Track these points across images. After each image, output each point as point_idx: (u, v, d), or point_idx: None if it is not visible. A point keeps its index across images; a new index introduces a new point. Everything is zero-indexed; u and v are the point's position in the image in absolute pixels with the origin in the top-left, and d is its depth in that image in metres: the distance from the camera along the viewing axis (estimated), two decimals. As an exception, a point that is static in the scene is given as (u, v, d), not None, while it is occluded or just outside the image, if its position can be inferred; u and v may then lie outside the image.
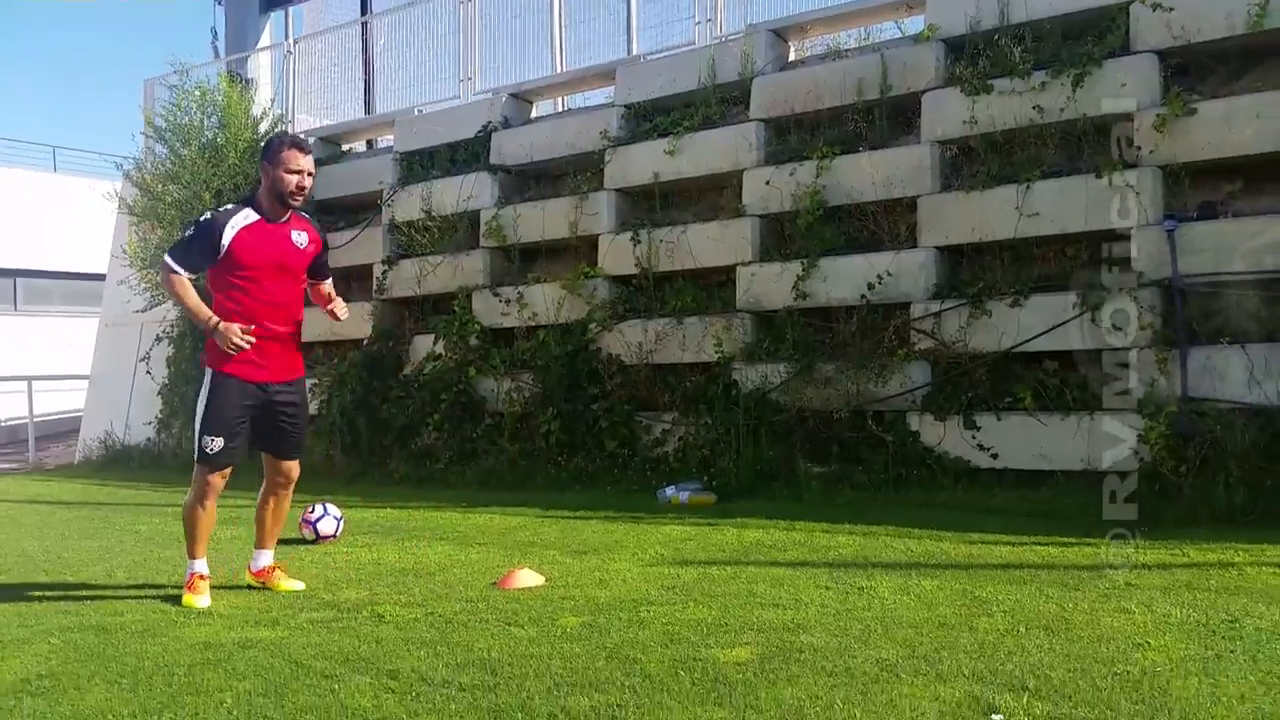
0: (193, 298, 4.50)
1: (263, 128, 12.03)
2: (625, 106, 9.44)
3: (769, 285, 8.06)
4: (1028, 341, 6.77)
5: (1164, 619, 3.66)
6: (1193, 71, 6.91)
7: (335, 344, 10.63)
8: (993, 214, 7.17)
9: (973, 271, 7.34)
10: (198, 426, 4.52)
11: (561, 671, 3.32)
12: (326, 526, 6.23)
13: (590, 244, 9.25)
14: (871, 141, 8.00)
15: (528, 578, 4.75)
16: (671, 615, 4.01)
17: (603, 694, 3.08)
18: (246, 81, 12.98)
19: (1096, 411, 6.40)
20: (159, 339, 12.61)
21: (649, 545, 5.60)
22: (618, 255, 8.97)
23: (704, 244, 8.50)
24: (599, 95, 10.60)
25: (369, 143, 12.88)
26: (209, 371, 4.55)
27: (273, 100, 12.83)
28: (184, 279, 4.53)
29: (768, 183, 8.25)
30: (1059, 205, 6.89)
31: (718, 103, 8.87)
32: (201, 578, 4.61)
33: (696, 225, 8.61)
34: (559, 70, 10.61)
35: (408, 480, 9.19)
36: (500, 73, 10.99)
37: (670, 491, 7.24)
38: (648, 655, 3.46)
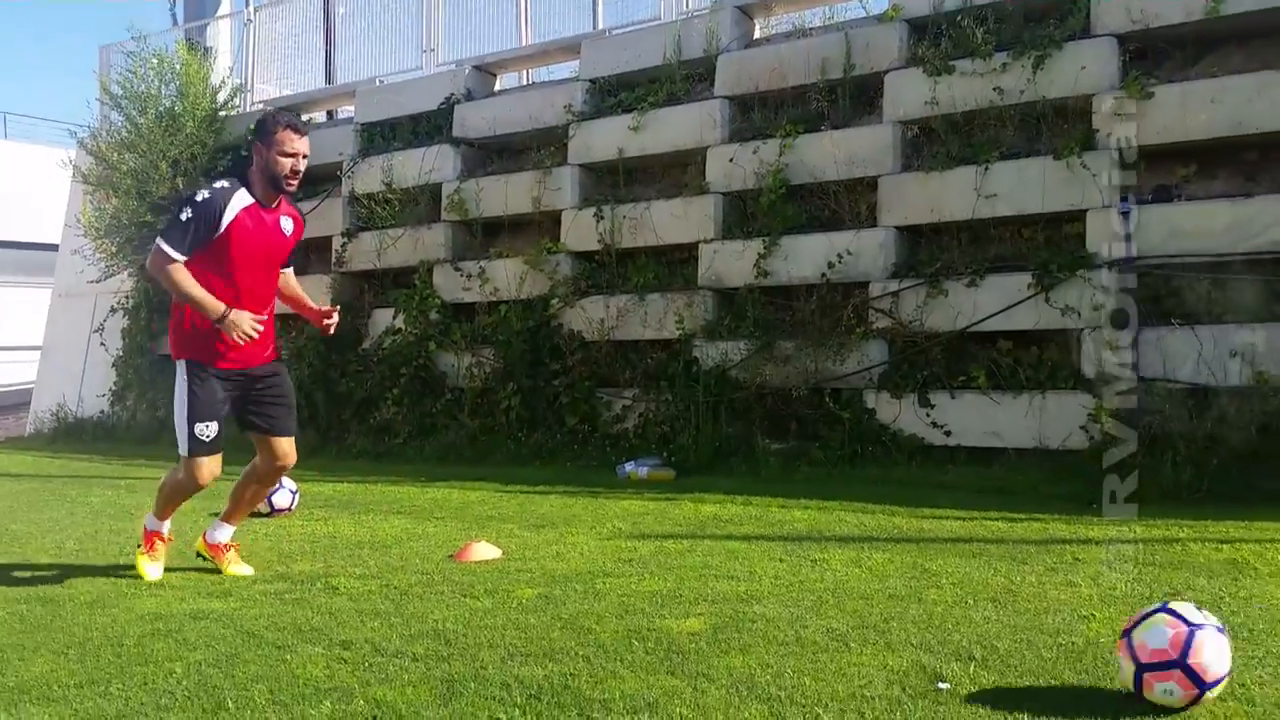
0: (196, 286, 4.06)
1: (221, 97, 11.83)
2: (590, 81, 9.38)
3: (731, 263, 8.08)
4: (982, 321, 6.86)
5: (1109, 592, 3.75)
6: (1150, 56, 6.99)
7: (293, 317, 10.48)
8: (951, 195, 7.23)
9: (931, 251, 7.41)
10: (185, 416, 4.19)
11: (516, 642, 3.33)
12: (281, 500, 6.19)
13: (553, 219, 9.20)
14: (834, 121, 8.02)
15: (484, 550, 4.75)
16: (627, 587, 4.03)
17: (556, 664, 3.10)
18: (205, 50, 12.72)
19: (1048, 390, 6.51)
20: (113, 310, 12.40)
21: (607, 519, 5.62)
22: (581, 231, 8.93)
23: (667, 221, 8.49)
24: (563, 69, 10.52)
25: (329, 113, 12.70)
26: (182, 363, 4.23)
27: (231, 69, 12.59)
28: (181, 265, 4.06)
29: (731, 160, 8.25)
30: (1017, 187, 6.97)
31: (683, 79, 8.84)
32: (161, 539, 4.49)
33: (660, 202, 8.60)
34: (523, 43, 10.51)
35: (366, 455, 9.14)
36: (463, 44, 10.86)
37: (630, 467, 7.27)
38: (602, 626, 3.48)
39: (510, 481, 7.21)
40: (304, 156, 4.23)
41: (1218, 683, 2.58)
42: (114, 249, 11.71)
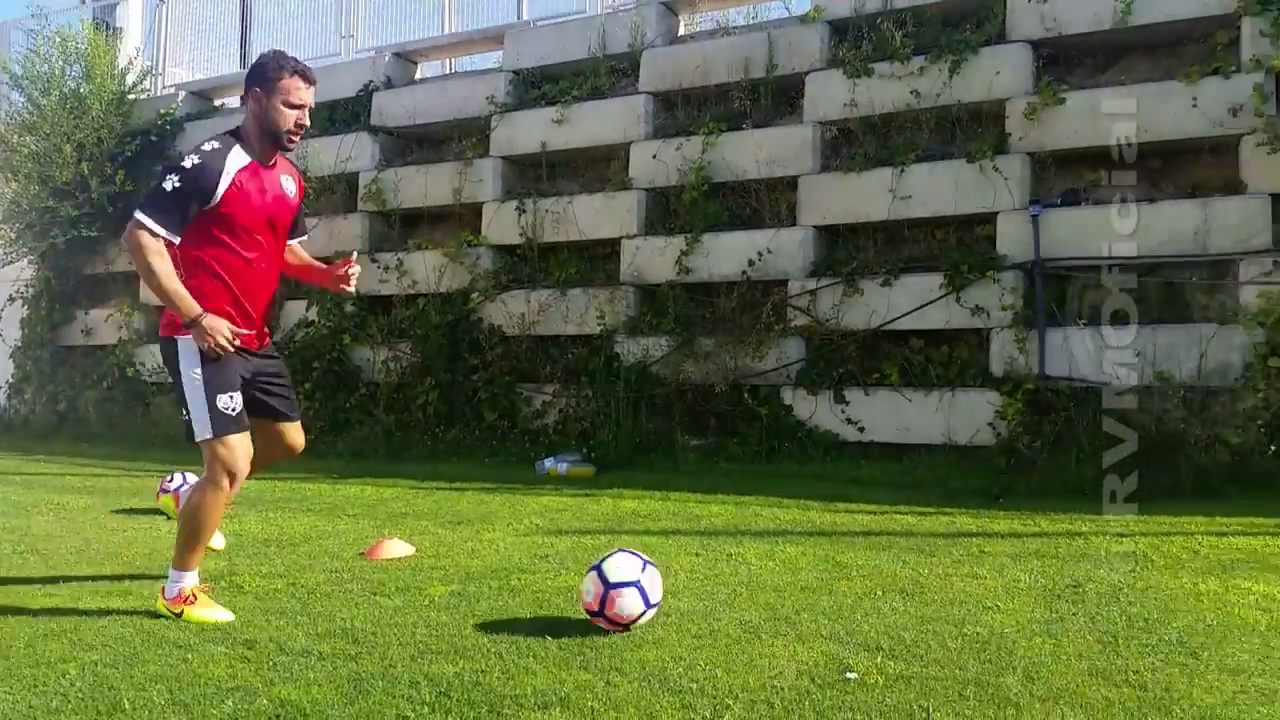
0: (174, 279, 3.45)
1: (130, 79, 11.41)
2: (514, 72, 9.30)
3: (653, 259, 8.09)
4: (896, 320, 7.00)
5: (1013, 583, 3.85)
6: (1063, 63, 7.21)
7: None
8: (868, 196, 7.36)
9: (848, 251, 7.53)
10: (202, 392, 3.49)
11: (426, 639, 3.28)
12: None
13: (474, 211, 9.10)
14: (756, 120, 8.09)
15: (397, 548, 4.67)
16: (542, 583, 4.00)
17: (468, 661, 3.05)
18: (113, 29, 12.24)
19: (958, 388, 6.68)
20: (12, 299, 11.86)
21: (524, 515, 5.58)
22: (502, 224, 8.85)
23: (590, 215, 8.46)
24: (487, 59, 10.40)
25: (243, 99, 12.32)
26: (188, 339, 3.52)
27: (140, 50, 12.15)
28: (162, 245, 3.43)
29: (654, 156, 8.26)
30: (931, 189, 7.12)
31: (607, 73, 8.82)
32: (199, 590, 3.65)
33: (583, 196, 8.56)
34: (446, 31, 10.36)
35: (277, 450, 8.90)
36: (384, 31, 10.67)
37: (549, 463, 7.23)
38: (516, 622, 3.44)
39: (426, 478, 7.11)
40: (310, 110, 3.62)
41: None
42: (13, 235, 11.22)
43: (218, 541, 4.34)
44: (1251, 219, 6.16)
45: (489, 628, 3.39)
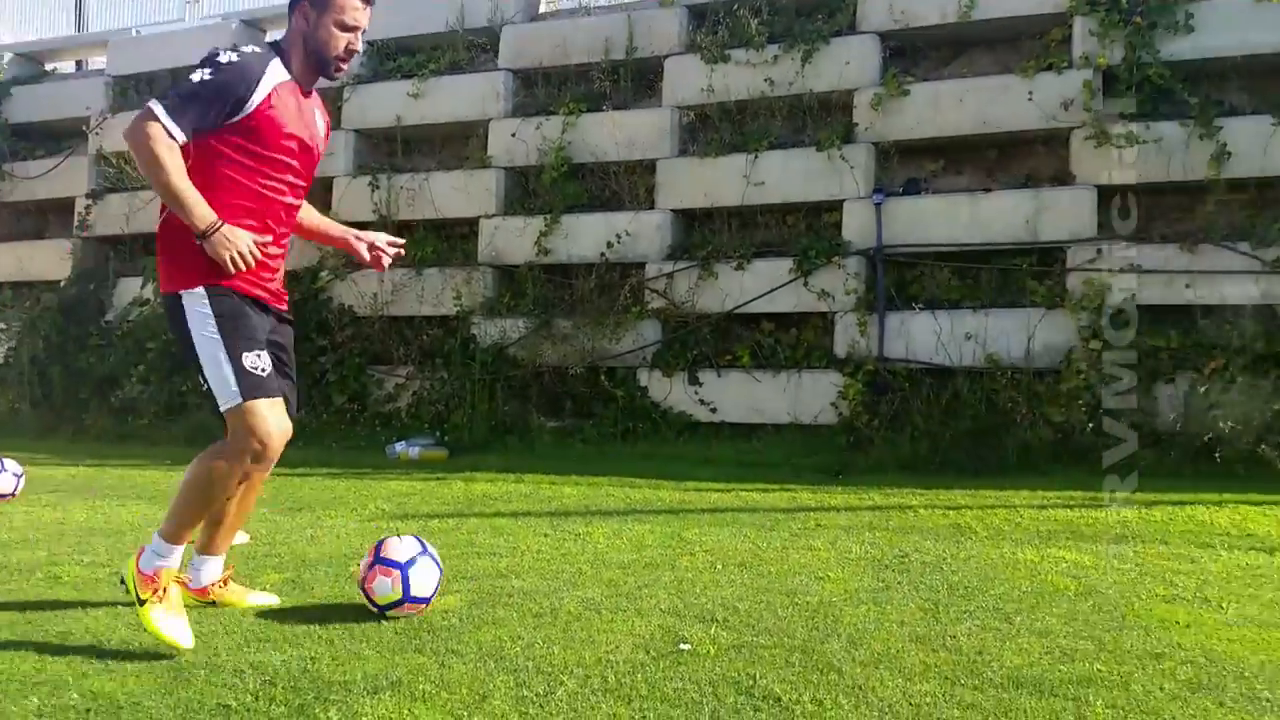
0: (185, 178, 2.86)
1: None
2: (368, 43, 9.00)
3: (511, 239, 8.00)
4: (748, 303, 7.16)
5: (845, 554, 4.00)
6: (909, 55, 7.48)
7: (26, 285, 9.54)
8: (723, 181, 7.48)
9: (703, 235, 7.64)
10: (224, 351, 2.91)
11: (254, 628, 3.15)
12: (4, 484, 5.60)
13: (325, 186, 8.78)
14: (616, 102, 8.10)
15: (232, 534, 4.47)
16: (383, 566, 3.91)
17: (296, 648, 2.96)
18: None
19: (804, 369, 6.89)
20: None
21: (371, 500, 5.45)
22: (354, 200, 8.59)
23: (447, 194, 8.30)
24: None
25: (78, 63, 11.56)
26: (197, 291, 2.94)
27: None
28: (176, 145, 2.86)
29: (514, 135, 8.17)
30: (782, 176, 7.29)
31: (466, 48, 8.66)
32: (177, 581, 3.03)
33: (440, 174, 8.39)
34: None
35: (106, 436, 8.44)
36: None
37: (400, 447, 7.08)
38: (350, 609, 3.36)
39: (270, 462, 6.83)
40: (364, 31, 3.12)
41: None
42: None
43: (240, 537, 3.72)
44: (1079, 209, 6.55)
45: (322, 615, 3.29)
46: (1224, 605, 3.29)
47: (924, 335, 6.67)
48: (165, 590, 2.94)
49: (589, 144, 7.94)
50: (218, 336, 2.92)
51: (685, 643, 2.91)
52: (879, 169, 7.16)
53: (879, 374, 6.60)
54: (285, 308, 3.25)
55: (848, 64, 7.28)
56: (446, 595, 3.47)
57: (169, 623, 2.90)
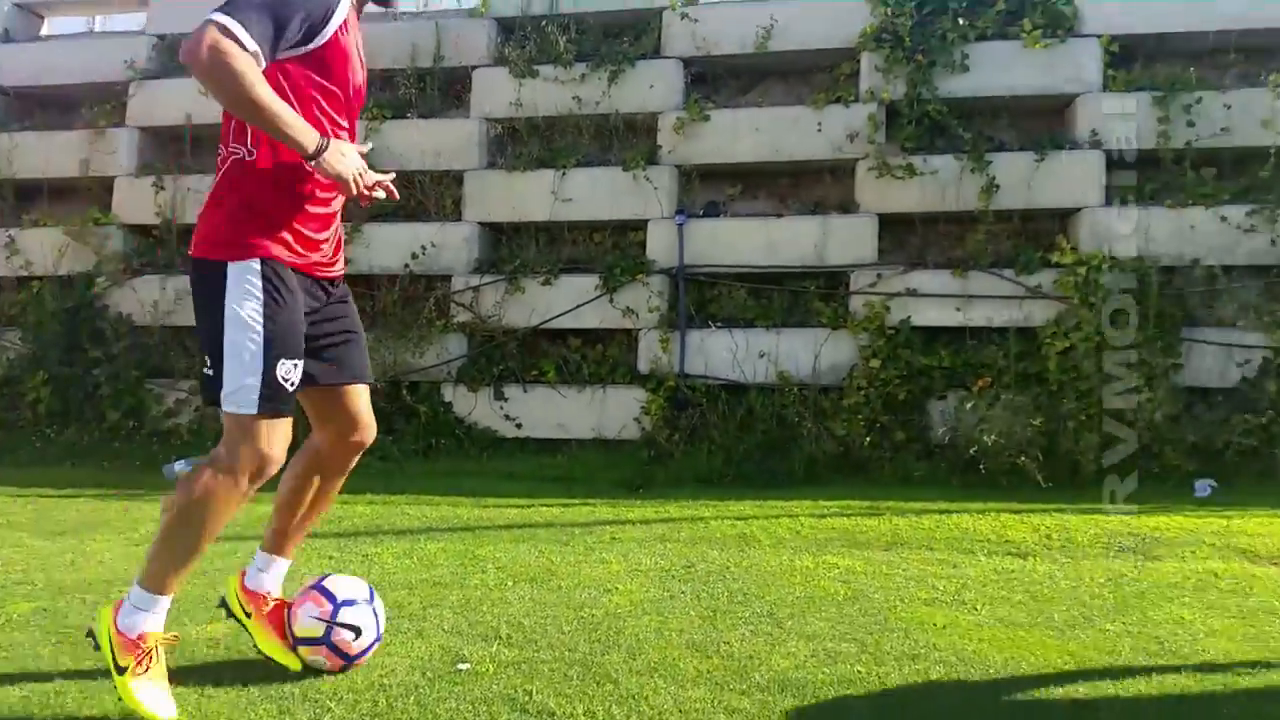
0: (273, 94, 2.35)
1: None
2: (158, 37, 8.49)
3: (309, 248, 7.69)
4: (555, 318, 7.19)
5: (635, 567, 4.06)
6: (711, 81, 7.73)
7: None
8: (532, 196, 7.48)
9: (511, 249, 7.61)
10: (260, 349, 2.48)
11: (-7, 662, 2.89)
12: None
13: (105, 186, 8.21)
14: (423, 110, 7.96)
15: (-24, 562, 4.09)
16: (149, 592, 3.66)
17: (39, 682, 2.73)
18: None
19: (609, 385, 6.98)
20: None
21: (142, 523, 5.08)
22: (137, 201, 8.05)
23: (239, 199, 7.89)
24: (128, 21, 9.41)
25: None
26: (250, 264, 2.50)
27: None
28: (255, 60, 2.34)
29: (313, 140, 7.86)
30: (590, 193, 7.37)
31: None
32: (163, 641, 2.57)
33: (232, 177, 7.97)
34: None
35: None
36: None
37: (180, 466, 6.64)
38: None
39: (31, 484, 6.24)
40: None
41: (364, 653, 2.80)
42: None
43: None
44: (861, 235, 6.94)
45: (74, 646, 3.05)
46: (978, 607, 3.55)
47: (721, 352, 6.90)
48: (150, 655, 2.50)
49: (394, 151, 7.74)
50: (259, 329, 2.47)
51: (464, 662, 2.88)
52: (681, 191, 7.36)
53: (679, 390, 6.77)
54: (339, 271, 2.81)
55: (652, 87, 7.45)
56: (215, 623, 3.29)
57: (151, 694, 2.48)
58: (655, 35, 7.64)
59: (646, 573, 3.97)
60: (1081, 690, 2.74)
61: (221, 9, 2.34)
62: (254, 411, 2.48)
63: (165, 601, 2.56)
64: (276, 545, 2.95)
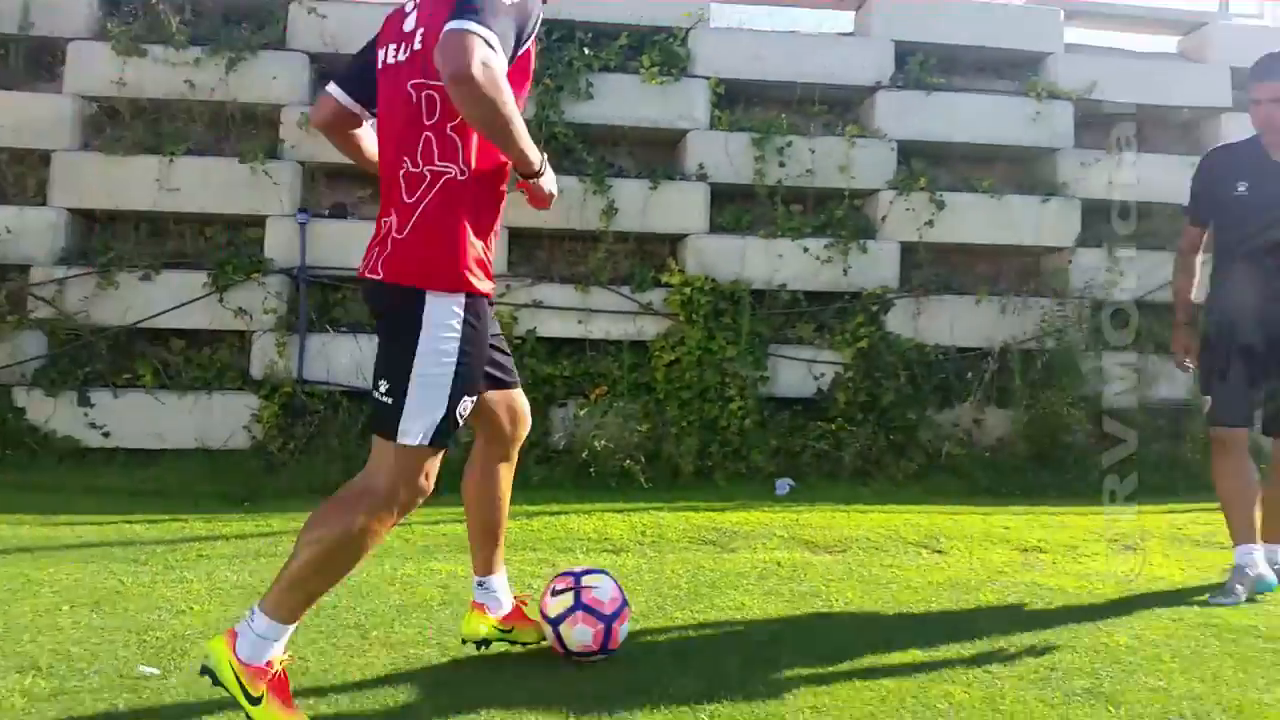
0: (516, 113, 2.32)
1: None
2: None
3: None
4: (154, 317, 6.60)
5: (218, 585, 3.82)
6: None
7: None
8: (133, 182, 6.81)
9: (104, 240, 6.89)
10: (446, 387, 2.43)
11: None
12: None
13: None
14: (4, 81, 6.99)
15: None
16: None
17: None
18: None
19: (215, 390, 6.52)
20: None
21: None
22: None
23: None
24: None
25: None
26: (456, 297, 2.44)
27: None
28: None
29: None
30: (201, 184, 6.85)
31: None
32: (285, 663, 2.46)
33: None
34: None
35: None
36: None
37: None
38: None
39: None
40: None
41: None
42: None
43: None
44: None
45: None
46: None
47: (345, 358, 6.69)
48: (280, 675, 2.42)
49: (-40, 123, 6.75)
50: (453, 366, 2.45)
51: (-14, 697, 2.55)
52: (306, 190, 7.06)
53: (296, 396, 6.47)
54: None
55: (275, 79, 7.08)
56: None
57: (288, 715, 2.40)
58: (280, 27, 7.28)
59: (229, 591, 3.74)
60: (642, 679, 2.96)
61: (476, 17, 2.22)
62: (425, 443, 2.46)
63: (290, 630, 2.50)
64: (493, 566, 3.13)
